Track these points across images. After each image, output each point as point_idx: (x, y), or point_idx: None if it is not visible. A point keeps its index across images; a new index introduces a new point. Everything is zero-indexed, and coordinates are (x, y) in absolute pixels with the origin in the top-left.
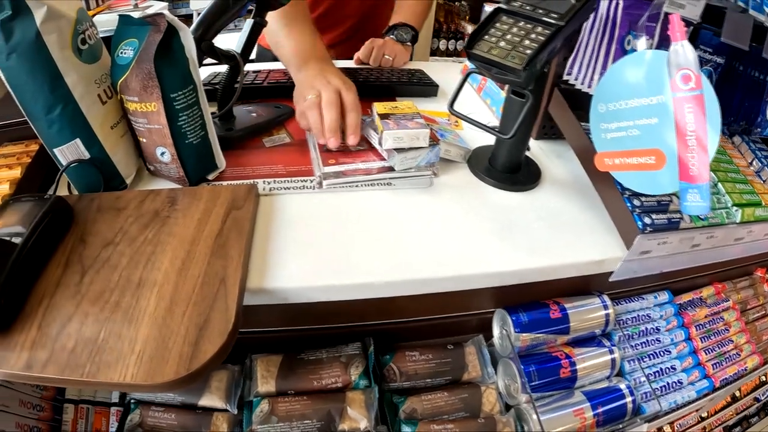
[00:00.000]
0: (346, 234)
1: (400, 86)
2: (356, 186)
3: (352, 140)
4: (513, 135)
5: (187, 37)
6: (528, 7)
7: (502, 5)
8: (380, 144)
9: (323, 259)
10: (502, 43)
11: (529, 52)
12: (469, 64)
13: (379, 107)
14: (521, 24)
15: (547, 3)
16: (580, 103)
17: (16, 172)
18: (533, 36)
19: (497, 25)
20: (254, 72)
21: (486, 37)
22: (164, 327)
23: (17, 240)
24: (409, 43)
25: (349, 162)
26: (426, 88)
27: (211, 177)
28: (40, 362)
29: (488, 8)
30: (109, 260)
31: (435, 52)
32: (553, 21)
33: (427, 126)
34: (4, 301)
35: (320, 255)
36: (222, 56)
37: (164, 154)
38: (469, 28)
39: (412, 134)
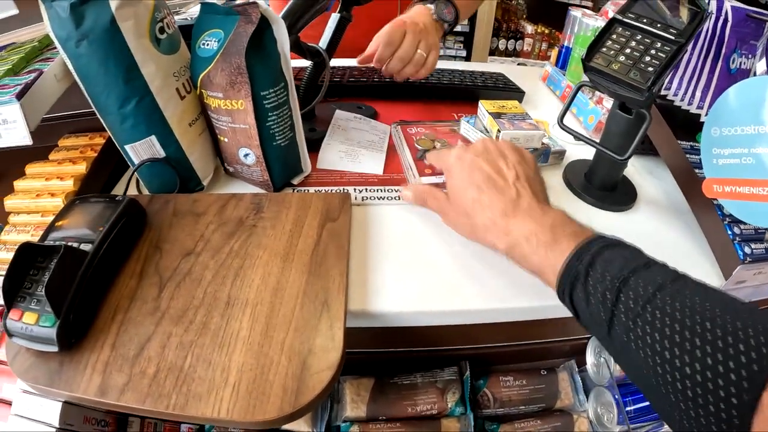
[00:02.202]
0: (446, 251)
1: (484, 90)
2: None
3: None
4: (629, 156)
5: (281, 30)
6: (645, 20)
7: (617, 16)
8: None
9: (426, 280)
10: (621, 58)
11: (651, 69)
12: (549, 69)
13: (487, 105)
14: (639, 38)
15: (662, 17)
16: (673, 119)
17: (81, 168)
18: (653, 52)
19: (614, 37)
20: (331, 68)
21: (604, 49)
22: (261, 355)
23: (86, 247)
24: (447, 24)
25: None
26: (512, 93)
27: (296, 182)
28: (116, 388)
29: (574, 12)
30: (191, 273)
31: (494, 52)
32: (673, 38)
33: (540, 127)
34: (73, 317)
35: (422, 275)
36: (307, 52)
37: (248, 155)
38: (529, 28)
39: (528, 135)
